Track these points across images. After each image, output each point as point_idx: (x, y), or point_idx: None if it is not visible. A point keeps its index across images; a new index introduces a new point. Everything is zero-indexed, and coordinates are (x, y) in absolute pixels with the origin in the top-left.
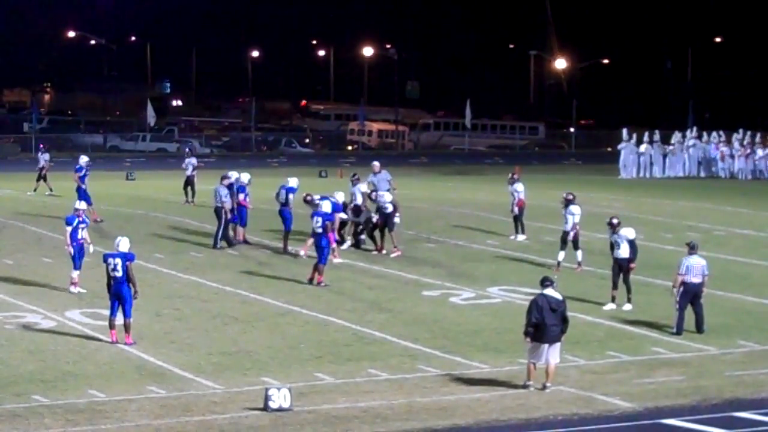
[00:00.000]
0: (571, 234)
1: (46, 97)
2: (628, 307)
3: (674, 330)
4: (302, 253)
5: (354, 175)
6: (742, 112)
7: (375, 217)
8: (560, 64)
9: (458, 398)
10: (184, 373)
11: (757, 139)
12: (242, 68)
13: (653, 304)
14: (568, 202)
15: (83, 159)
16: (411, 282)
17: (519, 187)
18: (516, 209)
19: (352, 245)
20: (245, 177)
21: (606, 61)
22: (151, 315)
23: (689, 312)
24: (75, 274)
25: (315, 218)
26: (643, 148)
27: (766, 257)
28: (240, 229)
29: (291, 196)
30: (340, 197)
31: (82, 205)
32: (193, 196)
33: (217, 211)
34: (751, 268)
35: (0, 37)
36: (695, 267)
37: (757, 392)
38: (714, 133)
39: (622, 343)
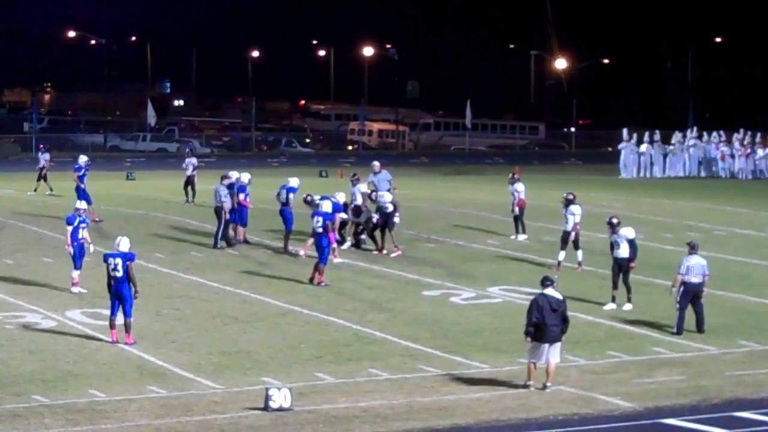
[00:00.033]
0: (573, 234)
1: (46, 97)
2: (628, 307)
3: (674, 330)
4: (302, 253)
5: (354, 175)
6: (742, 112)
7: (375, 218)
8: (560, 64)
9: (458, 398)
10: (185, 373)
11: (758, 139)
12: (242, 68)
13: (653, 304)
14: (568, 202)
15: (82, 158)
16: (411, 282)
17: (519, 187)
18: (516, 209)
19: (353, 245)
20: (245, 177)
21: (606, 61)
22: (151, 315)
23: (690, 312)
24: (75, 274)
25: (315, 218)
26: (643, 148)
27: (766, 257)
28: (240, 229)
29: (291, 195)
30: (341, 198)
31: (82, 204)
32: (193, 196)
33: (217, 211)
34: (752, 268)
35: (0, 37)
36: (695, 267)
37: (758, 392)
38: (714, 133)
39: (623, 343)
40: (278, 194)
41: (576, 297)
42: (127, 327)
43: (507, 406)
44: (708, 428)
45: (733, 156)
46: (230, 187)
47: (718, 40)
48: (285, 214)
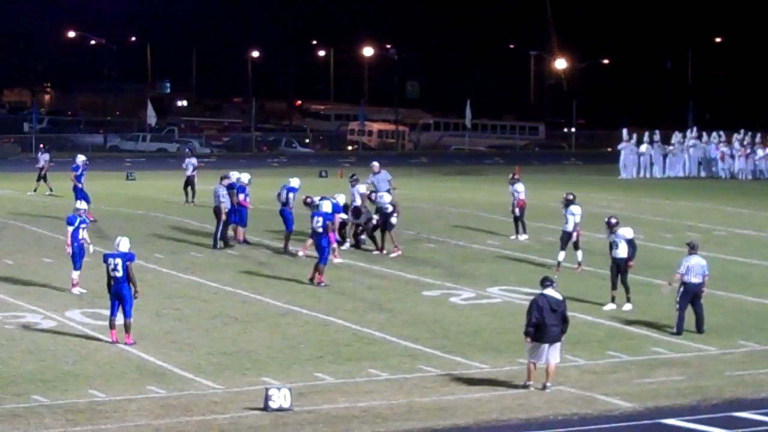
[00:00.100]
0: (574, 235)
1: (46, 97)
2: (628, 307)
3: (674, 330)
4: (301, 253)
5: (353, 176)
6: (742, 112)
7: (375, 218)
8: (560, 64)
9: (458, 398)
10: (184, 373)
11: (758, 139)
12: (242, 68)
13: (653, 304)
14: (568, 203)
15: (80, 158)
16: (411, 282)
17: (519, 187)
18: (516, 209)
19: (353, 245)
20: (245, 177)
21: (606, 61)
22: (151, 315)
23: (689, 312)
24: (75, 274)
25: (315, 218)
26: (643, 148)
27: (766, 257)
28: (240, 229)
29: (292, 195)
30: (341, 199)
31: (82, 204)
32: (193, 196)
33: (216, 211)
34: (751, 268)
35: (0, 37)
36: (695, 267)
37: (757, 392)
38: (714, 133)
39: (622, 343)
40: (279, 194)
41: (576, 297)
42: (126, 327)
43: (507, 406)
44: (708, 428)
45: (732, 156)
46: (230, 187)
47: (718, 40)
48: (285, 214)
